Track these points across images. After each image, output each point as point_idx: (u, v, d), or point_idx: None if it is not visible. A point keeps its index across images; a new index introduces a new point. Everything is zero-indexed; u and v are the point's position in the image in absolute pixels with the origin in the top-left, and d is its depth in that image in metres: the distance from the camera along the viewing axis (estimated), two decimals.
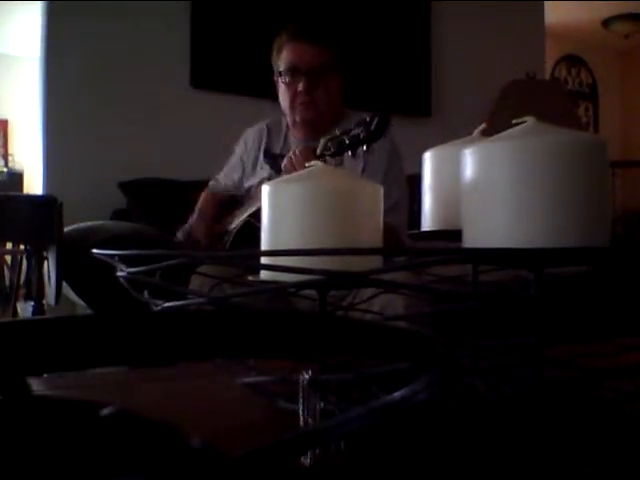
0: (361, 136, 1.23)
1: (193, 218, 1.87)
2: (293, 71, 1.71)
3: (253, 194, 1.74)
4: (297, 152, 1.50)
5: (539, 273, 0.47)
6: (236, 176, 1.90)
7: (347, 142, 1.24)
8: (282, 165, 1.55)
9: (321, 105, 1.72)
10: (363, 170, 1.66)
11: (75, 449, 0.15)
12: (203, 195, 1.95)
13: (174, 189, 2.36)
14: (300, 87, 1.69)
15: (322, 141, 1.39)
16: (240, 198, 1.88)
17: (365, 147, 1.23)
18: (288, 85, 1.73)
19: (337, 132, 1.30)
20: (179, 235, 1.83)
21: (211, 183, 1.97)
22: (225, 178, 1.94)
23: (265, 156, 1.81)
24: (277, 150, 1.82)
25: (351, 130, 1.27)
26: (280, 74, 1.74)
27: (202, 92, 2.71)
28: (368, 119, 1.24)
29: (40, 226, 1.55)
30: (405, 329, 0.20)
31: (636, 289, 0.47)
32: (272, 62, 1.79)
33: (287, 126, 1.85)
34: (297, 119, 1.75)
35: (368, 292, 0.89)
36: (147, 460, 0.16)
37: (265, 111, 1.99)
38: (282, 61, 1.74)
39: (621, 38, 5.24)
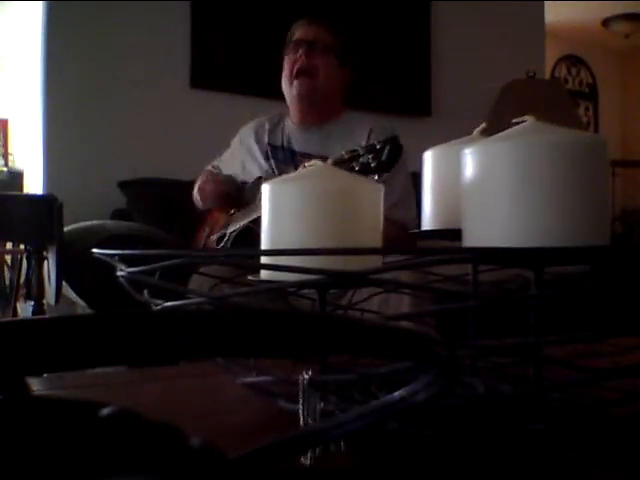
0: (372, 165, 1.19)
1: (198, 183, 1.83)
2: (296, 43, 1.75)
3: (253, 198, 1.73)
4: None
5: (539, 272, 0.47)
6: (231, 171, 1.89)
7: (356, 169, 1.20)
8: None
9: (318, 78, 1.73)
10: None
11: (75, 449, 0.15)
12: (202, 175, 1.90)
13: (174, 189, 2.36)
14: (300, 52, 1.72)
15: (329, 162, 1.35)
16: (238, 189, 1.86)
17: (377, 177, 1.19)
18: (290, 56, 1.75)
19: (345, 155, 1.25)
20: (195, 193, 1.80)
21: (210, 166, 1.96)
22: (221, 169, 1.93)
23: (269, 149, 1.81)
24: (278, 142, 1.83)
25: (360, 155, 1.22)
26: (285, 51, 1.77)
27: (202, 92, 2.70)
28: (379, 146, 1.20)
29: (40, 226, 1.55)
30: (405, 328, 0.20)
31: (636, 289, 0.47)
32: (283, 53, 1.81)
33: (284, 117, 1.85)
34: (294, 92, 1.75)
35: (368, 291, 0.89)
36: (147, 460, 0.16)
37: (265, 111, 1.99)
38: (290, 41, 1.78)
39: (621, 38, 5.24)
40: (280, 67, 1.84)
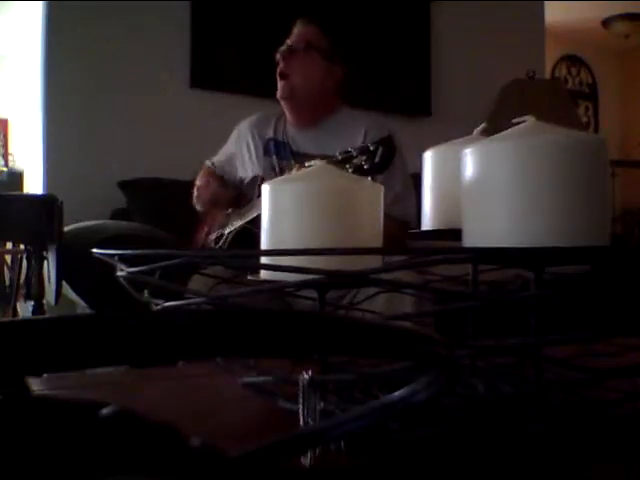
0: (365, 167, 1.18)
1: (197, 184, 1.83)
2: (283, 46, 1.74)
3: (250, 196, 1.73)
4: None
5: (539, 272, 0.47)
6: (229, 167, 1.88)
7: (350, 171, 1.20)
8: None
9: (293, 79, 1.71)
10: None
11: (75, 449, 0.15)
12: (201, 172, 1.91)
13: (174, 189, 2.36)
14: (278, 56, 1.71)
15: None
16: (235, 187, 1.85)
17: (370, 179, 1.20)
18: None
19: (338, 156, 1.25)
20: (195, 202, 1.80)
21: (207, 162, 1.95)
22: (219, 165, 1.92)
23: (272, 144, 1.80)
24: (280, 138, 1.81)
25: (353, 157, 1.21)
26: None
27: (202, 92, 2.70)
28: (372, 148, 1.19)
29: (40, 226, 1.55)
30: (405, 328, 0.20)
31: (636, 289, 0.47)
32: None
33: (283, 113, 1.85)
34: (277, 96, 1.74)
35: (369, 291, 0.89)
36: (147, 460, 0.16)
37: (265, 111, 1.98)
38: None
39: (621, 38, 5.23)
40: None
